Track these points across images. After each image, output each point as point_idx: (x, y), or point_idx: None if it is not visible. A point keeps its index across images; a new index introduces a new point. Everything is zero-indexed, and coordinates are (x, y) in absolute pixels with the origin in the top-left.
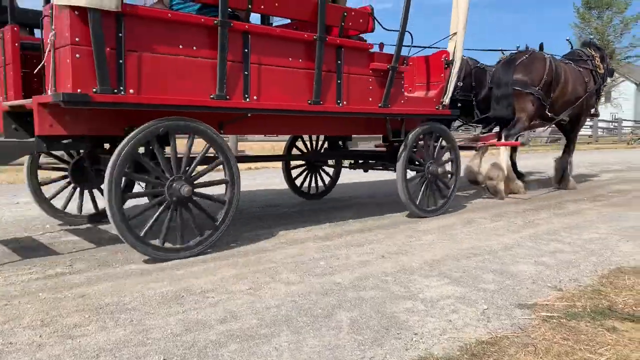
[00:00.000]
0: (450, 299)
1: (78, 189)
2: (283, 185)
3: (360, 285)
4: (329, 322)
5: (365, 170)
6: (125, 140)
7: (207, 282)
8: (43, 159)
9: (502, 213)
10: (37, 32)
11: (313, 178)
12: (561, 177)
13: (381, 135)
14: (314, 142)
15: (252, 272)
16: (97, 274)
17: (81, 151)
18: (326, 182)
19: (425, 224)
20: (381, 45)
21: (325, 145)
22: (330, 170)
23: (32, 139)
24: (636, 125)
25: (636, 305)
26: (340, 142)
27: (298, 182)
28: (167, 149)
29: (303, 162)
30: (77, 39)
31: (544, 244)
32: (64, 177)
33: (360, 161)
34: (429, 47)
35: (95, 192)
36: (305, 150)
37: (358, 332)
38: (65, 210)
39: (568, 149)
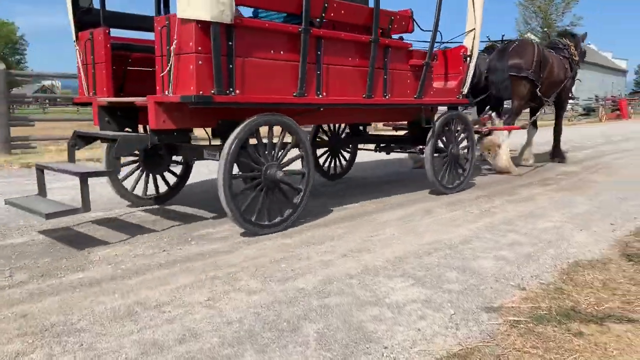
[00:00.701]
0: (417, 302)
1: (144, 174)
2: None
3: (324, 290)
4: (296, 337)
5: (388, 153)
6: (236, 132)
7: (162, 293)
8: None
9: (457, 201)
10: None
11: (334, 161)
12: (559, 154)
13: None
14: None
15: (209, 279)
16: (40, 287)
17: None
18: (344, 165)
19: (385, 215)
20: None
21: (347, 130)
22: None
23: (144, 133)
24: (574, 102)
25: (598, 305)
26: (360, 128)
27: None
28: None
29: (326, 148)
30: (199, 48)
31: (501, 236)
32: (134, 162)
33: (381, 145)
34: (450, 42)
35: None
36: (327, 138)
37: (326, 348)
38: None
39: (557, 130)
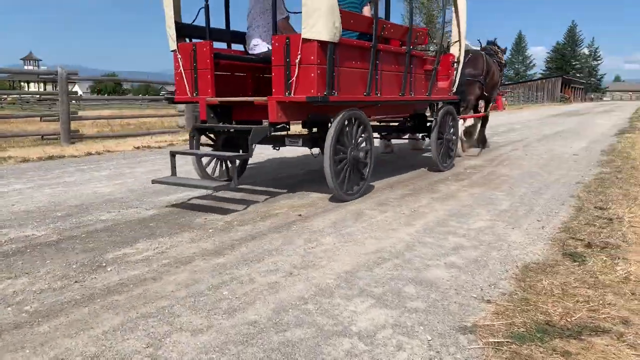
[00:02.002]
0: (386, 328)
1: (217, 160)
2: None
3: (281, 322)
4: None
5: (389, 140)
6: (335, 122)
7: (88, 341)
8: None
9: (385, 201)
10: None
11: None
12: (483, 139)
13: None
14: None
15: (141, 317)
16: None
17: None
18: None
19: (318, 221)
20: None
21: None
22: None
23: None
24: None
25: (568, 315)
26: None
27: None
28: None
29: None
30: (318, 61)
31: (442, 239)
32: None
33: (383, 133)
34: (442, 50)
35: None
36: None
37: None
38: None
39: (485, 119)
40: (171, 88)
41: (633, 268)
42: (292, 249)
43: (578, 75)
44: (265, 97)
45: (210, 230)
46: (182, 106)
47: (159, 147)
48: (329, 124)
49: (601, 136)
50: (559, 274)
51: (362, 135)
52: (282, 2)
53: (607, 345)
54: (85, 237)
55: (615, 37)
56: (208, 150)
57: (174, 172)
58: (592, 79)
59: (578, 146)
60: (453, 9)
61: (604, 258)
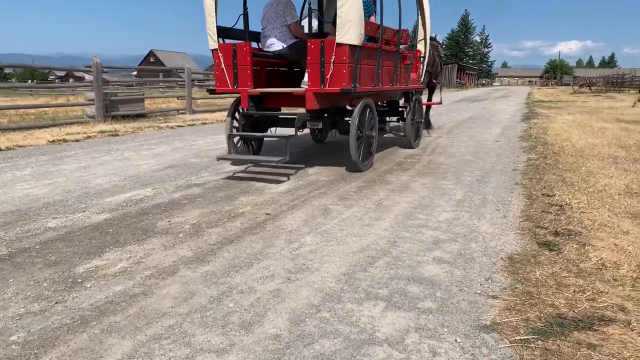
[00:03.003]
0: (411, 333)
1: (242, 140)
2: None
3: (304, 333)
4: None
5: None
6: (357, 109)
7: None
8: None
9: (343, 195)
10: None
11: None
12: (427, 122)
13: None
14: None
15: (153, 340)
16: None
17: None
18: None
19: (287, 219)
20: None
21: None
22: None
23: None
24: None
25: (573, 307)
26: None
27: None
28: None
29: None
30: (348, 60)
31: (418, 233)
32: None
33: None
34: (414, 48)
35: None
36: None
37: None
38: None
39: (428, 106)
40: (61, 73)
41: (604, 254)
42: (277, 252)
43: (471, 62)
44: (303, 88)
45: (180, 235)
46: (91, 94)
47: (76, 141)
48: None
49: (510, 122)
50: (545, 265)
51: (372, 118)
52: (292, 9)
53: (621, 335)
54: (40, 248)
55: (501, 26)
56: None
57: (234, 151)
58: (484, 65)
59: (495, 132)
60: (419, 11)
61: (575, 246)
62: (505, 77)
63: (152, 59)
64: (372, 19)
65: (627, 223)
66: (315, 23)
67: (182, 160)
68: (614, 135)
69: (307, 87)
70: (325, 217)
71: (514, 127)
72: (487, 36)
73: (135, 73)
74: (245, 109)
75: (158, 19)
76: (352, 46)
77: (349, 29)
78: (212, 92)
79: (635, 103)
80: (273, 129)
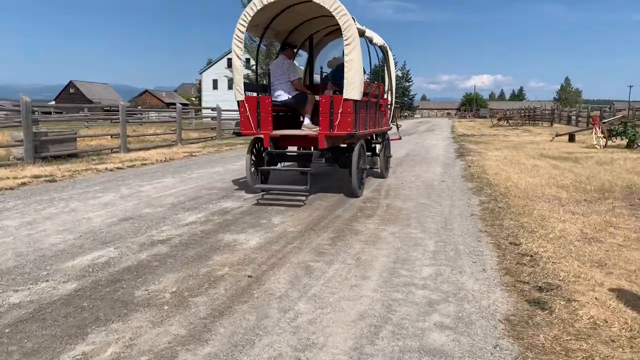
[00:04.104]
0: None
1: (257, 171)
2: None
3: None
4: None
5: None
6: (357, 146)
7: None
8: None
9: (318, 248)
10: None
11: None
12: None
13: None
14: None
15: None
16: None
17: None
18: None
19: (271, 282)
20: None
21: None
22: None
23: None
24: None
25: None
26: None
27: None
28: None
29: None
30: (352, 111)
31: (409, 293)
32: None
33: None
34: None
35: None
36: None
37: None
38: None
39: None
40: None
41: (592, 311)
42: (274, 324)
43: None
44: (316, 132)
45: (165, 308)
46: (20, 134)
47: (10, 188)
48: (338, 150)
49: (446, 159)
50: (543, 327)
51: (363, 154)
52: (295, 67)
53: None
54: (10, 332)
55: (419, 61)
56: (279, 165)
57: (257, 182)
58: (406, 98)
59: (437, 171)
60: (386, 68)
61: (562, 302)
62: (426, 109)
63: (72, 90)
64: (363, 77)
65: (597, 273)
66: (317, 78)
67: (135, 211)
68: (549, 174)
69: (308, 129)
70: (309, 277)
71: (452, 164)
72: (408, 71)
73: (52, 103)
74: (267, 148)
75: (77, 47)
76: (354, 101)
77: (354, 88)
78: (238, 134)
79: (553, 138)
80: (281, 163)
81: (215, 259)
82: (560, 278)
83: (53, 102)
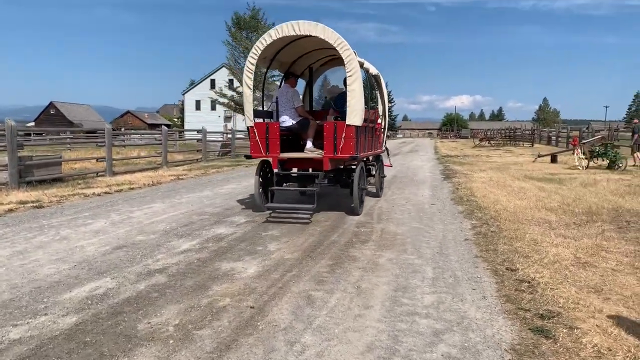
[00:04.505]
0: None
1: (264, 192)
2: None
3: None
4: None
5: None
6: (358, 167)
7: None
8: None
9: (317, 276)
10: None
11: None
12: None
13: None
14: None
15: None
16: None
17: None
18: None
19: (274, 312)
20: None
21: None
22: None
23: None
24: None
25: None
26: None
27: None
28: None
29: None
30: (354, 136)
31: (413, 323)
32: (261, 184)
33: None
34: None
35: None
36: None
37: None
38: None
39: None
40: None
41: (595, 339)
42: (283, 358)
43: None
44: (321, 155)
45: (171, 342)
46: (4, 158)
47: None
48: (340, 171)
49: (434, 181)
50: (550, 356)
51: (364, 175)
52: (298, 95)
53: None
54: None
55: (400, 82)
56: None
57: (264, 201)
58: (389, 119)
59: (426, 193)
60: (379, 94)
61: (565, 331)
62: (408, 129)
63: (52, 111)
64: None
65: (594, 299)
66: (320, 104)
67: (127, 239)
68: (536, 197)
69: (311, 152)
70: (311, 307)
71: (440, 186)
72: (390, 92)
73: (31, 124)
74: (275, 170)
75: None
76: (357, 126)
77: (355, 115)
78: (248, 157)
79: (535, 159)
80: (286, 184)
81: (215, 289)
82: (560, 305)
83: (32, 123)
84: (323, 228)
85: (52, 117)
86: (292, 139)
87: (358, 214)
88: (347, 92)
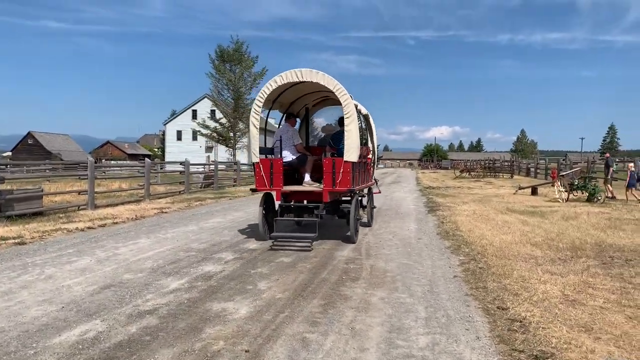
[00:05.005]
0: None
1: (266, 221)
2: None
3: None
4: None
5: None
6: (354, 199)
7: None
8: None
9: (310, 317)
10: None
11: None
12: None
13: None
14: None
15: None
16: None
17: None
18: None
19: (270, 355)
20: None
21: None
22: None
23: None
24: None
25: None
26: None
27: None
28: None
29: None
30: (351, 171)
31: None
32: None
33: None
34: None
35: None
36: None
37: None
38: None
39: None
40: None
41: None
42: None
43: None
44: (321, 188)
45: None
46: None
47: None
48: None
49: (418, 214)
50: None
51: (359, 207)
52: (297, 133)
53: None
54: None
55: (380, 113)
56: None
57: (267, 232)
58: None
59: (412, 227)
60: (368, 131)
61: None
62: (389, 159)
63: (30, 141)
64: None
65: (586, 339)
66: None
67: (115, 277)
68: (520, 231)
69: (309, 185)
70: (307, 350)
71: (425, 220)
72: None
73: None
74: (279, 202)
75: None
76: (353, 162)
77: (352, 153)
78: (254, 190)
79: (516, 191)
80: (287, 214)
81: (208, 332)
82: (553, 345)
83: (9, 153)
84: (312, 265)
85: (30, 147)
86: (290, 172)
87: (354, 242)
88: (345, 132)
